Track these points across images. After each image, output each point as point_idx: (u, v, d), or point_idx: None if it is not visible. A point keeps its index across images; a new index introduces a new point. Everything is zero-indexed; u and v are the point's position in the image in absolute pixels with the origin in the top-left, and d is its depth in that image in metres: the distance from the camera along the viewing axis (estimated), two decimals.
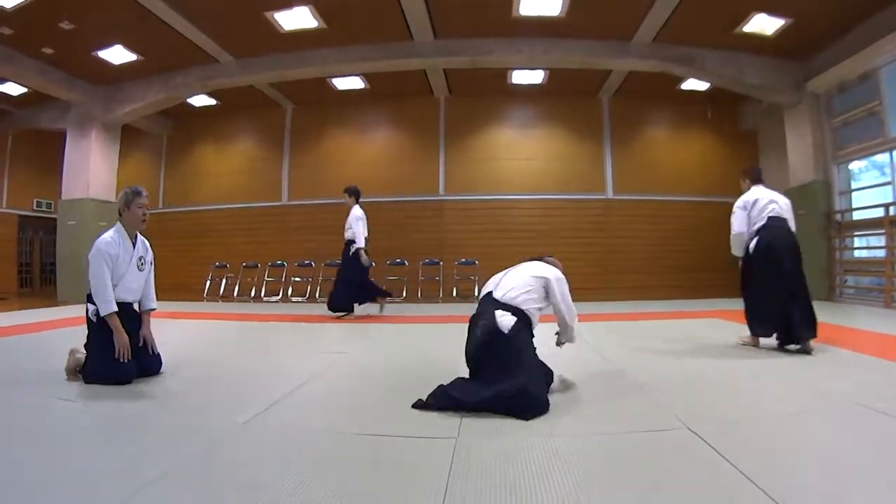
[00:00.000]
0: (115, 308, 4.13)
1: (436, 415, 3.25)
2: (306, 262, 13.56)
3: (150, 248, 4.65)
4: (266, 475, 2.33)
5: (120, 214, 4.39)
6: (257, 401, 3.55)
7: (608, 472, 2.37)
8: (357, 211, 9.15)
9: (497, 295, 3.75)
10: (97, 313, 4.15)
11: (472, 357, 3.67)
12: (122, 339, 4.07)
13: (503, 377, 3.30)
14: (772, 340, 5.38)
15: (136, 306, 4.52)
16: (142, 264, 4.48)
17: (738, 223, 5.74)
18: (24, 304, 11.99)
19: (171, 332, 7.33)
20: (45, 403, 3.58)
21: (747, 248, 5.59)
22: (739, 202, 5.83)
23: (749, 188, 5.95)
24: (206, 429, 3.01)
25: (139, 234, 4.53)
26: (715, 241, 13.26)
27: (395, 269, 13.19)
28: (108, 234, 4.28)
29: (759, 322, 5.56)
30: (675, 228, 13.41)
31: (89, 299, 4.21)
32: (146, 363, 4.30)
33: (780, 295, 5.21)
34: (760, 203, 5.68)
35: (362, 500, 2.11)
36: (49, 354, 5.21)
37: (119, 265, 4.27)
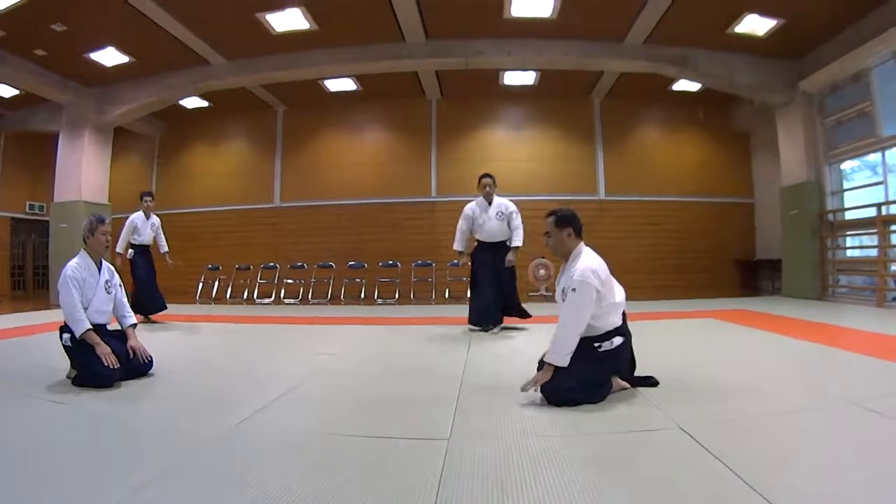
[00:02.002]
0: (89, 325, 4.21)
1: (428, 416, 3.25)
2: (298, 263, 13.54)
3: (115, 272, 4.78)
4: (258, 477, 2.32)
5: (84, 241, 4.55)
6: (249, 403, 3.54)
7: (600, 472, 2.36)
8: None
9: None
10: (72, 339, 4.23)
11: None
12: (103, 348, 4.12)
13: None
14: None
15: (109, 326, 4.60)
16: (109, 287, 4.58)
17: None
18: (16, 306, 11.91)
19: (163, 334, 7.32)
20: (38, 406, 3.57)
21: None
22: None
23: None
24: (199, 431, 2.99)
25: (103, 260, 4.66)
26: (709, 241, 13.43)
27: (388, 271, 13.17)
28: (74, 261, 4.45)
29: None
30: (667, 229, 13.47)
31: (62, 331, 4.31)
32: (135, 365, 4.36)
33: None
34: None
35: (355, 500, 2.10)
36: (41, 357, 5.20)
37: (87, 289, 4.39)
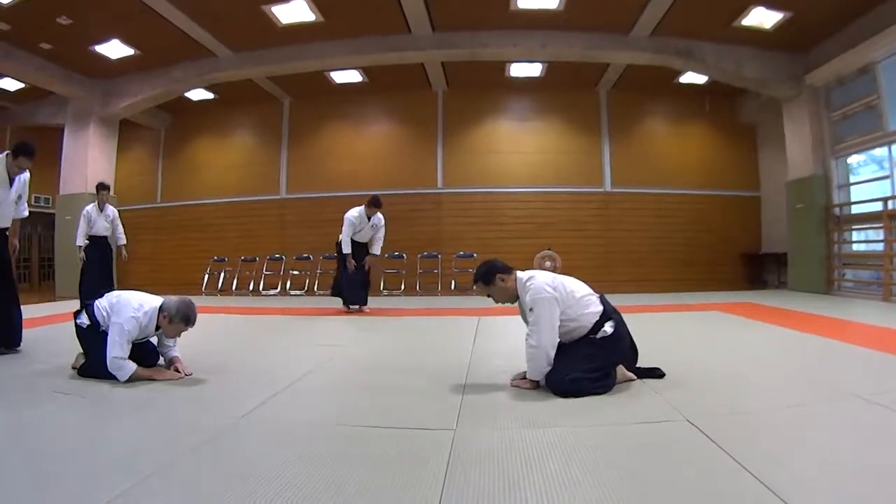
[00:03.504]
0: (134, 366, 3.97)
1: (434, 406, 3.27)
2: (305, 255, 13.56)
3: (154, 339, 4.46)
4: (265, 468, 2.34)
5: (163, 313, 4.10)
6: (256, 394, 3.56)
7: (606, 463, 2.37)
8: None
9: None
10: (90, 324, 4.17)
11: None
12: (163, 374, 4.08)
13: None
14: None
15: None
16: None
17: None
18: (22, 299, 11.85)
19: None
20: (43, 397, 3.59)
21: None
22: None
23: None
24: (205, 422, 3.01)
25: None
26: (715, 234, 13.40)
27: (394, 262, 13.18)
28: (137, 318, 4.04)
29: None
30: (673, 221, 13.43)
31: (76, 315, 4.26)
32: (141, 356, 4.20)
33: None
34: None
35: (361, 491, 2.11)
36: (47, 349, 5.23)
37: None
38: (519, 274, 3.82)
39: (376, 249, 9.05)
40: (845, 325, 6.66)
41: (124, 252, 9.16)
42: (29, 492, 2.13)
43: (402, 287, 12.90)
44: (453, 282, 12.92)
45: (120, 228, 9.10)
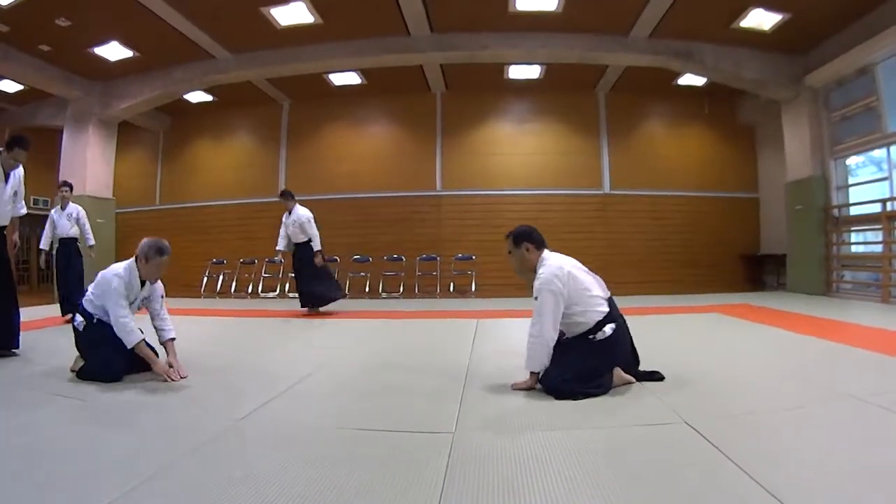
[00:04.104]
0: (141, 335, 4.12)
1: (433, 409, 3.27)
2: None
3: (157, 288, 4.56)
4: (265, 470, 2.34)
5: (137, 259, 4.30)
6: (254, 397, 3.56)
7: (604, 466, 2.37)
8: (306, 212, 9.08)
9: None
10: (85, 324, 4.23)
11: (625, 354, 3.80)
12: (160, 367, 4.12)
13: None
14: None
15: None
16: (145, 303, 4.48)
17: None
18: (21, 301, 11.90)
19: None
20: (42, 400, 3.58)
21: None
22: None
23: None
24: (204, 425, 3.01)
25: (149, 282, 4.44)
26: (713, 235, 13.41)
27: (393, 265, 13.18)
28: (121, 274, 4.23)
29: None
30: (673, 223, 13.43)
31: (76, 308, 4.31)
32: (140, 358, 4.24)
33: None
34: None
35: (361, 493, 2.12)
36: (46, 351, 5.23)
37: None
38: (546, 254, 3.84)
39: (315, 244, 8.91)
40: (844, 327, 6.66)
41: (92, 254, 8.69)
42: (29, 493, 2.13)
43: (401, 289, 12.88)
44: (452, 284, 12.92)
45: (87, 228, 8.56)
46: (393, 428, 2.95)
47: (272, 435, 2.87)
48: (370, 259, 13.30)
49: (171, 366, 4.20)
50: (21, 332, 5.37)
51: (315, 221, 9.00)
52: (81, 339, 4.28)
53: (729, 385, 3.77)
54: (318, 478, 2.26)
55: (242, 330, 7.52)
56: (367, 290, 12.97)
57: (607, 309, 3.72)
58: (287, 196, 9.13)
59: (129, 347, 4.07)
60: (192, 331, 7.37)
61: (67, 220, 8.34)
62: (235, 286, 13.64)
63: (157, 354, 4.25)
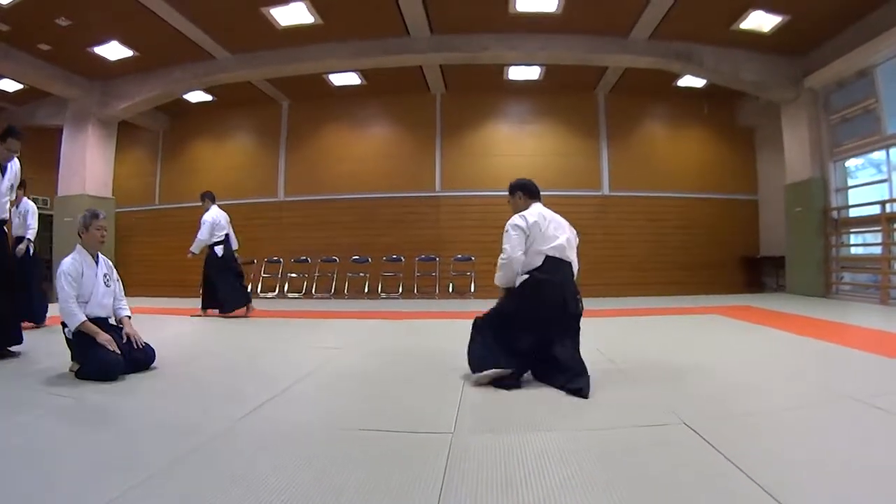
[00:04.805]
0: (83, 317, 4.29)
1: (432, 410, 3.27)
2: (302, 258, 13.56)
3: (112, 267, 4.82)
4: (262, 470, 2.34)
5: (80, 236, 4.58)
6: (253, 396, 3.56)
7: (604, 466, 2.37)
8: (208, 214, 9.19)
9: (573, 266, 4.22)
10: (72, 332, 4.30)
11: (546, 322, 3.96)
12: (103, 336, 4.23)
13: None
14: None
15: (111, 320, 4.67)
16: (108, 281, 4.64)
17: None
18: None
19: (167, 328, 7.34)
20: (41, 400, 3.58)
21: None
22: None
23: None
24: (203, 425, 3.00)
25: (100, 254, 4.70)
26: (713, 237, 13.41)
27: (392, 265, 13.18)
28: (70, 257, 4.49)
29: None
30: (672, 225, 13.44)
31: (64, 324, 4.36)
32: (136, 357, 4.39)
33: None
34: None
35: (360, 493, 2.11)
36: (44, 351, 5.22)
37: (85, 283, 4.44)
38: (533, 204, 4.39)
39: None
40: (843, 329, 6.66)
41: (21, 246, 7.40)
42: (28, 493, 2.13)
43: (401, 290, 12.89)
44: (451, 285, 12.92)
45: (30, 222, 7.73)
46: (392, 428, 2.94)
47: (271, 435, 2.86)
48: (369, 259, 13.30)
49: (127, 335, 4.47)
50: (22, 332, 5.36)
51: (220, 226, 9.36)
52: (74, 345, 4.33)
53: (728, 386, 3.77)
54: (317, 477, 2.26)
55: (242, 330, 7.51)
56: (366, 290, 12.97)
57: (539, 264, 4.07)
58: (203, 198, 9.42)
59: (73, 329, 4.25)
60: (191, 331, 7.38)
61: (17, 218, 7.65)
62: None
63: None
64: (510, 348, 3.91)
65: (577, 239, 4.38)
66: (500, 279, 4.28)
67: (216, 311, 8.92)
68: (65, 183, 12.97)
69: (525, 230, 4.15)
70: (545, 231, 4.15)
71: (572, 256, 4.24)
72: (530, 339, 3.92)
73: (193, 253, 8.88)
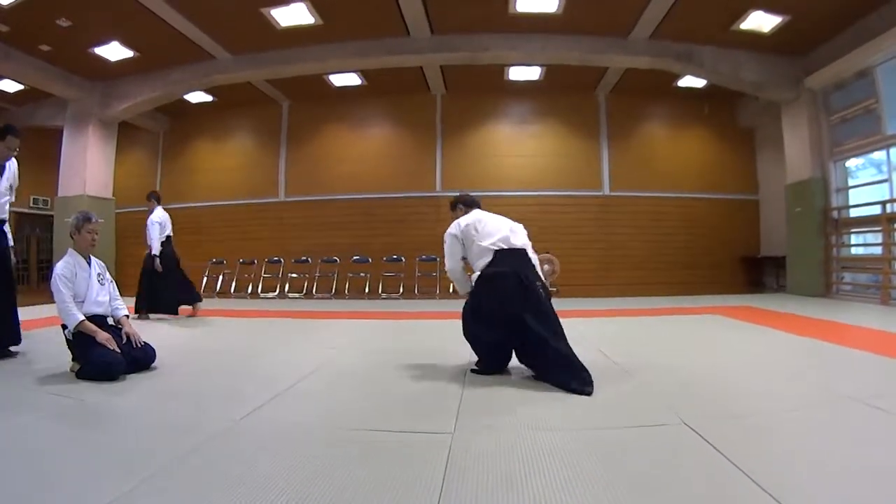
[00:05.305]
0: (81, 316, 4.33)
1: (432, 410, 3.27)
2: (303, 258, 13.56)
3: (105, 267, 4.91)
4: (263, 471, 2.34)
5: (72, 238, 4.74)
6: (254, 397, 3.56)
7: (605, 466, 2.37)
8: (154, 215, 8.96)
9: (529, 252, 4.35)
10: (72, 333, 4.33)
11: (511, 300, 4.05)
12: (102, 335, 4.26)
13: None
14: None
15: (110, 321, 4.68)
16: (101, 280, 4.71)
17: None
18: (20, 301, 11.88)
19: (167, 328, 7.34)
20: (42, 400, 3.59)
21: None
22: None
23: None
24: (203, 425, 3.00)
25: (92, 256, 4.79)
26: (713, 237, 13.41)
27: (392, 266, 13.19)
28: (63, 260, 4.62)
29: None
30: (672, 225, 13.44)
31: (64, 326, 4.39)
32: (136, 357, 4.41)
33: None
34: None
35: (360, 493, 2.12)
36: (45, 351, 5.22)
37: (79, 283, 4.51)
38: (472, 213, 4.62)
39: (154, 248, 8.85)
40: (843, 329, 6.66)
41: None
42: (29, 493, 2.13)
43: (401, 290, 12.89)
44: (452, 285, 12.89)
45: None
46: (392, 428, 2.95)
47: (271, 435, 2.86)
48: (370, 260, 13.30)
49: (126, 334, 4.52)
50: (21, 332, 5.36)
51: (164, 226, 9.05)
52: (74, 345, 4.35)
53: (728, 386, 3.77)
54: (318, 477, 2.26)
55: (242, 330, 7.51)
56: (366, 290, 12.98)
57: (489, 261, 4.25)
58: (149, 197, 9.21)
59: (72, 329, 4.29)
60: (191, 331, 7.38)
61: None
62: (235, 286, 13.65)
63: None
64: (490, 343, 4.24)
65: (527, 230, 4.55)
66: (458, 288, 4.69)
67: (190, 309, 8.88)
68: (65, 184, 12.97)
69: (458, 236, 4.45)
70: (483, 229, 4.37)
71: (521, 242, 4.37)
72: (502, 323, 4.07)
73: (157, 256, 8.76)
